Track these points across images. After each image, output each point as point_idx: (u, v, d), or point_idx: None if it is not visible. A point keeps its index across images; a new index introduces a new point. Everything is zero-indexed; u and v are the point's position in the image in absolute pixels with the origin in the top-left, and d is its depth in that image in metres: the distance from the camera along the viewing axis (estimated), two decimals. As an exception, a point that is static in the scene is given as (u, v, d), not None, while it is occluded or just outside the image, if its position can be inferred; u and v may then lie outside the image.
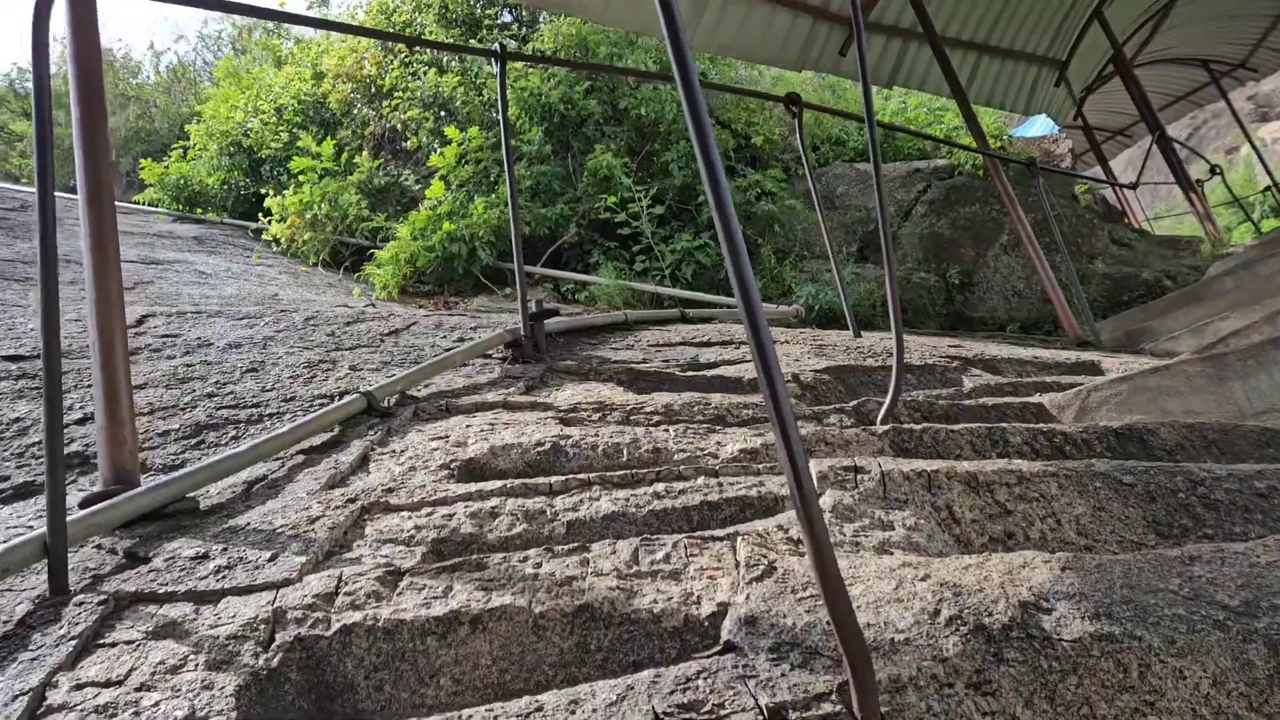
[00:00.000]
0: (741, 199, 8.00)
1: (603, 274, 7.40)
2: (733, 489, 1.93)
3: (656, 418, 2.64)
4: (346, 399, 2.64)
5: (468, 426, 2.54)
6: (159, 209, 11.00)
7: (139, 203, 10.97)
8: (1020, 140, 9.81)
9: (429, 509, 1.87)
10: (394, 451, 2.36)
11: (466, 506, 1.86)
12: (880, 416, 2.70)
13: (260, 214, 8.95)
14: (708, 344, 4.04)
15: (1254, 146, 15.64)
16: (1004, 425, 2.38)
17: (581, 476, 2.00)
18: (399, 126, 8.93)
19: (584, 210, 7.77)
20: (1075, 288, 6.12)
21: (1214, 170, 10.40)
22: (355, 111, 9.58)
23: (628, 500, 1.88)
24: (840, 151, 9.50)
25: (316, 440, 2.45)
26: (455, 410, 2.77)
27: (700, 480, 1.99)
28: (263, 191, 9.03)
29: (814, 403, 3.11)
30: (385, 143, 9.19)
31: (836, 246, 8.11)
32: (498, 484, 1.98)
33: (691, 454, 2.27)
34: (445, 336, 4.05)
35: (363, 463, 2.26)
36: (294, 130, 9.47)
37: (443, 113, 8.81)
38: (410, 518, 1.82)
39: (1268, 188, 14.00)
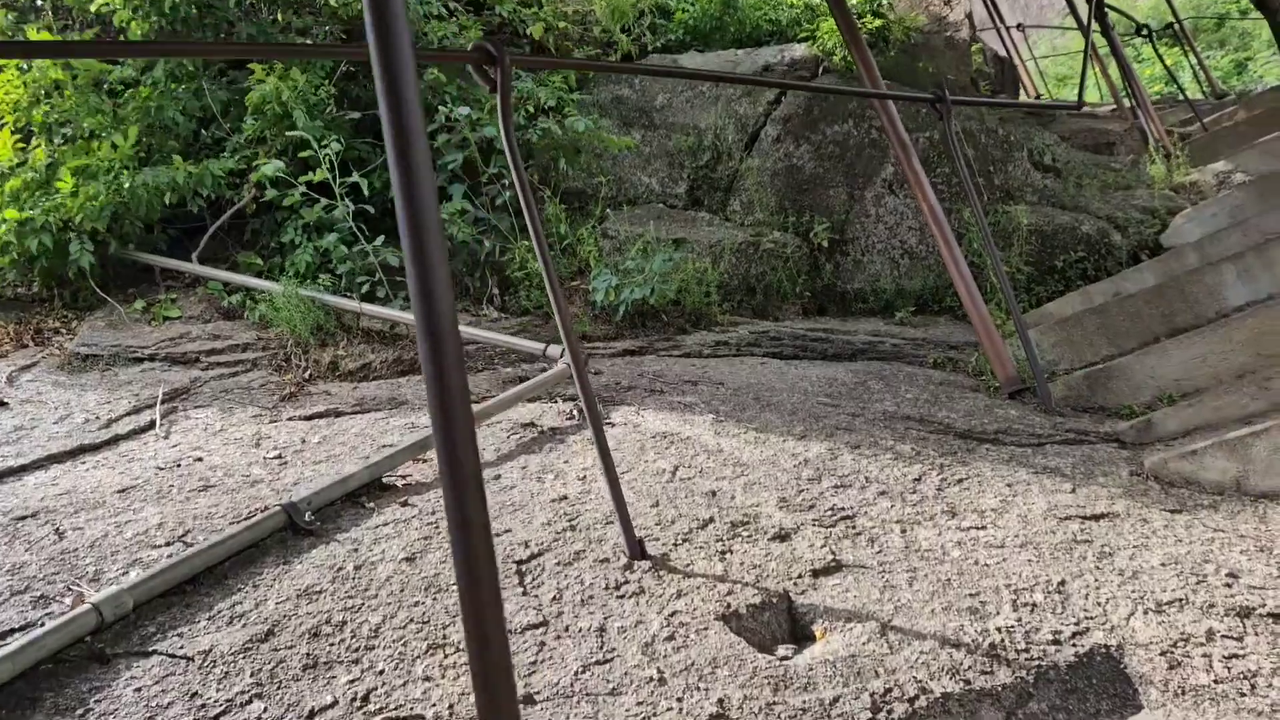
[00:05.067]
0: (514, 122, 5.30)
1: (289, 272, 4.71)
2: None
3: None
4: None
5: None
6: None
7: None
8: (901, 2, 7.25)
9: None
10: None
11: None
12: None
13: None
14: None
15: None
16: None
17: None
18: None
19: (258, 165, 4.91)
20: (994, 261, 3.92)
21: (1141, 30, 8.19)
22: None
23: None
24: (664, 30, 6.71)
25: None
26: None
27: None
28: None
29: None
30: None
31: (659, 186, 5.63)
32: None
33: None
34: None
35: None
36: None
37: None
38: None
39: (1168, 24, 11.83)
